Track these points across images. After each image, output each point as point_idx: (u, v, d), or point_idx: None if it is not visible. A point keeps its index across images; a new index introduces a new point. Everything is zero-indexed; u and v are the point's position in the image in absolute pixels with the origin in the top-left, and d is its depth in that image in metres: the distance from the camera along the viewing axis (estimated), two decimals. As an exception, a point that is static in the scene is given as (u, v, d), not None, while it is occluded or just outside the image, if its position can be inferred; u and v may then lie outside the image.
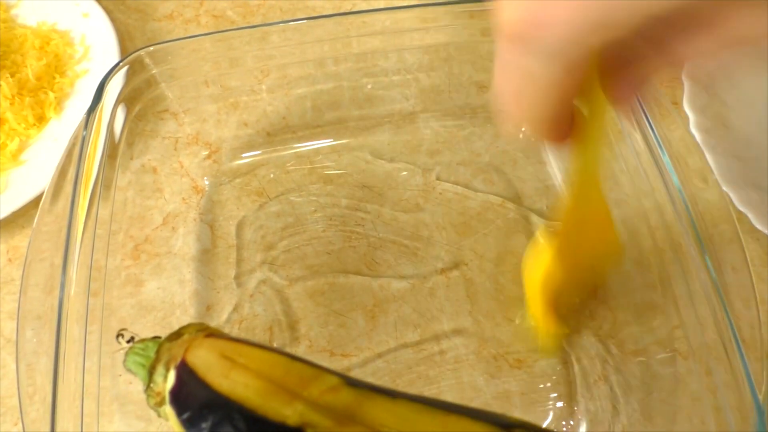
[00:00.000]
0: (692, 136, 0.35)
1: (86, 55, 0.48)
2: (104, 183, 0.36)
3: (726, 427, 0.30)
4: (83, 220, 0.33)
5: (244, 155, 0.45)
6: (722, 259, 0.31)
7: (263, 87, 0.46)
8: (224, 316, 0.38)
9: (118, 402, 0.36)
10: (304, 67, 0.45)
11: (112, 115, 0.37)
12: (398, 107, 0.46)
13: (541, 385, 0.35)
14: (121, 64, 0.37)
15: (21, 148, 0.44)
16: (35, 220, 0.33)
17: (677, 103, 0.45)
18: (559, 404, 0.35)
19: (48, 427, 0.28)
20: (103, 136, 0.36)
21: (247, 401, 0.25)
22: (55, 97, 0.46)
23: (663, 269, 0.35)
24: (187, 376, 0.26)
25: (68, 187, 0.33)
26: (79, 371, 0.31)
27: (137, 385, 0.36)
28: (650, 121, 0.34)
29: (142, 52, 0.38)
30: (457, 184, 0.43)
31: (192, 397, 0.26)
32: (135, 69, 0.38)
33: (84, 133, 0.34)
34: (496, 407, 0.35)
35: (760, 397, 0.28)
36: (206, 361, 0.27)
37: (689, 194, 0.33)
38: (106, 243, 0.37)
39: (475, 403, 0.35)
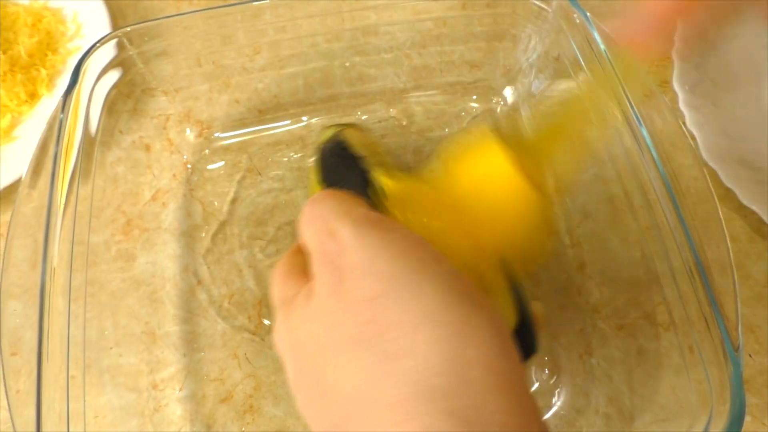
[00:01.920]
0: (674, 115, 0.35)
1: (78, 32, 0.48)
2: (86, 159, 0.37)
3: (707, 398, 0.31)
4: (64, 196, 0.34)
5: (235, 133, 0.45)
6: (704, 236, 0.31)
7: (255, 65, 0.46)
8: (215, 291, 0.38)
9: (109, 374, 0.36)
10: (296, 46, 0.45)
11: (91, 93, 0.38)
12: (389, 85, 0.46)
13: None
14: (98, 44, 0.37)
15: (13, 125, 0.44)
16: (17, 197, 0.33)
17: (667, 82, 0.45)
18: (546, 377, 0.35)
19: (34, 399, 0.28)
20: (82, 115, 0.37)
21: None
22: (47, 74, 0.46)
23: (646, 246, 0.36)
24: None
25: (48, 164, 0.33)
26: (64, 344, 0.31)
27: (128, 358, 0.37)
28: (630, 100, 0.34)
29: (119, 32, 0.38)
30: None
31: None
32: (123, 46, 0.38)
33: (61, 115, 0.34)
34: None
35: (737, 356, 0.29)
36: None
37: (671, 173, 0.33)
38: (90, 219, 0.37)
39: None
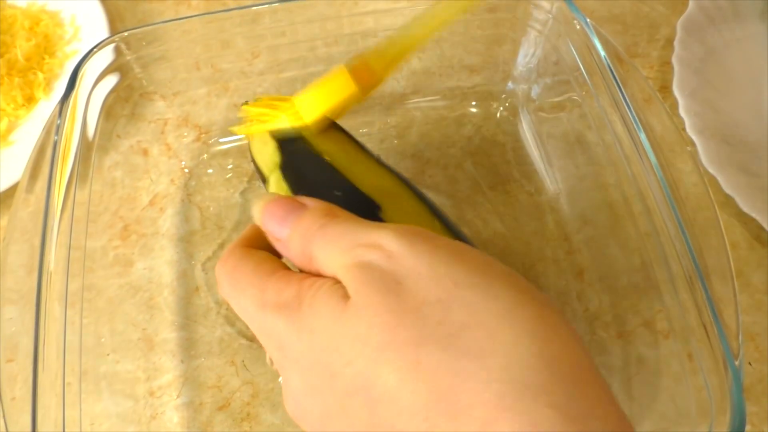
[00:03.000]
0: (673, 121, 0.35)
1: (76, 35, 0.48)
2: (83, 164, 0.37)
3: (707, 407, 0.30)
4: (61, 201, 0.34)
5: (233, 137, 0.45)
6: (703, 243, 0.31)
7: (254, 69, 0.46)
8: (212, 297, 0.38)
9: (106, 381, 0.36)
10: (295, 50, 0.45)
11: (88, 98, 0.37)
12: (389, 89, 0.46)
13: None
14: (95, 49, 0.36)
15: (10, 129, 0.44)
16: (14, 202, 0.33)
17: (667, 87, 0.45)
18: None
19: (29, 407, 0.28)
20: (79, 120, 0.36)
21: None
22: (45, 78, 0.46)
23: (645, 253, 0.35)
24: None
25: (45, 169, 0.33)
26: (60, 350, 0.31)
27: (125, 364, 0.37)
28: (630, 106, 0.34)
29: (116, 37, 0.37)
30: (446, 166, 0.43)
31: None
32: (121, 51, 0.38)
33: (58, 121, 0.34)
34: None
35: (737, 365, 0.29)
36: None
37: (670, 179, 0.33)
38: (87, 224, 0.37)
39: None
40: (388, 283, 0.19)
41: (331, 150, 0.32)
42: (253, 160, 0.35)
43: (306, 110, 0.32)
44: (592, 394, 0.18)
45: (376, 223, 0.21)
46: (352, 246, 0.20)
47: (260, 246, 0.24)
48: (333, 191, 0.30)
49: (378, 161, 0.33)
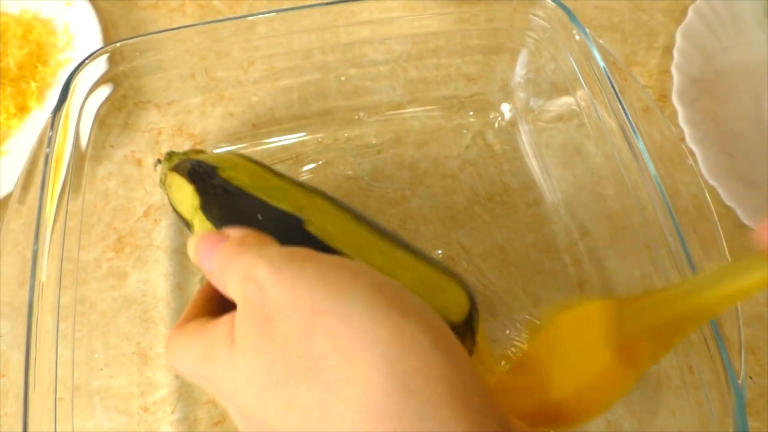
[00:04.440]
0: (672, 131, 0.35)
1: (69, 43, 0.48)
2: (76, 174, 0.36)
3: (707, 422, 0.30)
4: (53, 213, 0.33)
5: (228, 147, 0.44)
6: (704, 255, 0.31)
7: (249, 78, 0.45)
8: (207, 310, 0.38)
9: (99, 396, 0.35)
10: (291, 58, 0.45)
11: (81, 109, 0.37)
12: (386, 98, 0.45)
13: (525, 381, 0.35)
14: (87, 60, 0.36)
15: (2, 139, 0.43)
16: (6, 213, 0.33)
17: (666, 96, 0.44)
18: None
19: (20, 422, 0.27)
20: (72, 131, 0.36)
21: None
22: (37, 87, 0.45)
23: (645, 265, 0.35)
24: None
25: (38, 180, 0.33)
26: (52, 365, 0.31)
27: (119, 379, 0.36)
28: (629, 116, 0.34)
29: (109, 48, 0.37)
30: (444, 176, 0.43)
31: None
32: (114, 61, 0.38)
33: (50, 132, 0.34)
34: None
35: (740, 384, 0.28)
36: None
37: (669, 190, 0.33)
38: (80, 236, 0.36)
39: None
40: (260, 321, 0.20)
41: (245, 179, 0.33)
42: (175, 210, 0.35)
43: None
44: (450, 405, 0.18)
45: (264, 251, 0.22)
46: (241, 278, 0.21)
47: (207, 309, 0.25)
48: (255, 216, 0.31)
49: (293, 181, 0.34)
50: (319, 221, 0.30)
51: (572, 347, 0.24)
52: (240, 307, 0.21)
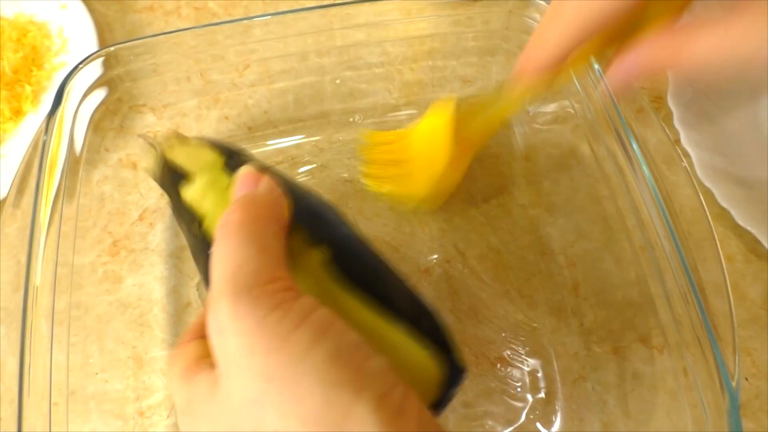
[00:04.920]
0: (666, 133, 0.35)
1: (64, 47, 0.47)
2: (71, 178, 0.36)
3: (702, 424, 0.30)
4: (48, 217, 0.33)
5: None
6: (698, 256, 0.31)
7: (245, 81, 0.45)
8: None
9: (95, 401, 0.35)
10: (286, 61, 0.45)
11: (75, 113, 0.37)
12: (381, 101, 0.45)
13: (520, 384, 0.35)
14: (81, 65, 0.36)
15: (-3, 143, 0.43)
16: (0, 217, 0.33)
17: (662, 98, 0.44)
18: (540, 402, 0.35)
19: (15, 428, 0.27)
20: (66, 135, 0.36)
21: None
22: (32, 91, 0.45)
23: (640, 267, 0.35)
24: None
25: (32, 184, 0.33)
26: (47, 369, 0.31)
27: (114, 384, 0.36)
28: (623, 118, 0.34)
29: (103, 52, 0.37)
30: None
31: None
32: (109, 65, 0.38)
33: (45, 137, 0.34)
34: (476, 405, 0.35)
35: (734, 386, 0.28)
36: None
37: (664, 192, 0.33)
38: (74, 240, 0.36)
39: (456, 401, 0.35)
40: (221, 371, 0.20)
41: None
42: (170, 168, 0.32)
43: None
44: None
45: (235, 269, 0.21)
46: (213, 290, 0.21)
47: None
48: None
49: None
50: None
51: (431, 144, 0.37)
52: (217, 359, 0.21)
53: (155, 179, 0.33)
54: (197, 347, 0.24)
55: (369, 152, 0.41)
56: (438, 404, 0.25)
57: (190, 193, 0.29)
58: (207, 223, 0.28)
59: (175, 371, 0.23)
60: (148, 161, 0.33)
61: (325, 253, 0.26)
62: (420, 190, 0.38)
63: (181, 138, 0.33)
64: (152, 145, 0.33)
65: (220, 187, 0.29)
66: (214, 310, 0.20)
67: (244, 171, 0.26)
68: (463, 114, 0.36)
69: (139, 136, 0.37)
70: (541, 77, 0.29)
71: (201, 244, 0.28)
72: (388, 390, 0.19)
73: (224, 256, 0.21)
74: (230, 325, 0.20)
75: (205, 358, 0.22)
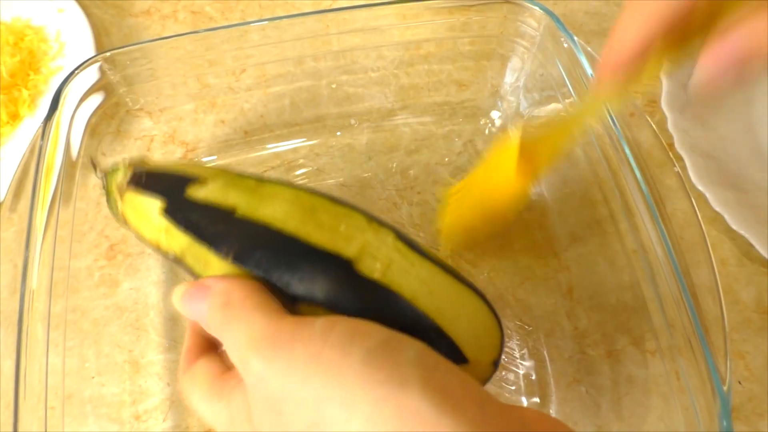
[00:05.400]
0: (659, 137, 0.35)
1: (61, 51, 0.48)
2: (67, 182, 0.36)
3: (694, 427, 0.30)
4: (44, 222, 0.33)
5: (221, 154, 0.44)
6: (690, 260, 0.31)
7: (241, 85, 0.45)
8: (199, 317, 0.38)
9: (91, 405, 0.36)
10: (282, 65, 0.45)
11: (72, 118, 0.37)
12: (377, 105, 0.46)
13: (515, 387, 0.35)
14: (77, 71, 0.36)
15: (-6, 147, 0.43)
16: (-4, 223, 0.33)
17: (656, 102, 0.45)
18: (534, 405, 0.35)
19: (11, 431, 0.27)
20: (63, 139, 0.36)
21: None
22: (30, 95, 0.45)
23: (633, 271, 0.35)
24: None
25: (29, 188, 0.33)
26: (43, 373, 0.31)
27: (110, 388, 0.36)
28: (616, 123, 0.34)
29: (99, 57, 0.37)
30: (435, 183, 0.43)
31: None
32: (105, 70, 0.38)
33: (41, 142, 0.34)
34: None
35: (725, 390, 0.29)
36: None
37: (656, 196, 0.33)
38: (71, 244, 0.37)
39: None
40: (273, 414, 0.21)
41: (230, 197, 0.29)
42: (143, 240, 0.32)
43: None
44: None
45: (250, 327, 0.23)
46: (239, 361, 0.23)
47: (206, 341, 0.28)
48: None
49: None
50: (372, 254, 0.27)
51: (494, 171, 0.35)
52: (249, 393, 0.22)
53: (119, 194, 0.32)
54: (209, 364, 0.26)
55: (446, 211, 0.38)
56: (496, 362, 0.28)
57: (205, 192, 0.29)
58: (241, 212, 0.28)
59: (199, 392, 0.25)
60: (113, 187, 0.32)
61: (394, 233, 0.29)
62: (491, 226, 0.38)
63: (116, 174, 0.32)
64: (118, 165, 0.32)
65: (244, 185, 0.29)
66: (247, 366, 0.22)
67: (181, 291, 0.27)
68: (534, 137, 0.33)
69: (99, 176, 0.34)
70: (626, 72, 0.27)
71: (237, 230, 0.28)
72: (430, 374, 0.20)
73: (237, 326, 0.23)
74: (266, 371, 0.21)
75: (225, 374, 0.25)
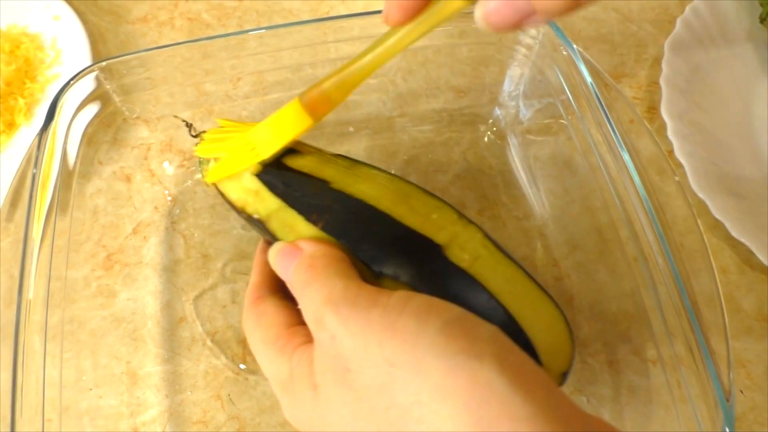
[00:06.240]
0: (658, 144, 0.35)
1: (57, 59, 0.47)
2: (64, 192, 0.36)
3: (697, 438, 0.30)
4: (41, 231, 0.33)
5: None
6: (691, 268, 0.31)
7: (238, 92, 0.45)
8: (197, 328, 0.38)
9: (88, 417, 0.35)
10: (280, 73, 0.45)
11: (68, 127, 0.37)
12: (375, 112, 0.45)
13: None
14: (72, 81, 0.36)
15: (-10, 156, 0.43)
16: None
17: (655, 108, 0.44)
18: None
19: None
20: (59, 149, 0.36)
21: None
22: (26, 103, 0.45)
23: (634, 279, 0.35)
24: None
25: (25, 198, 0.33)
26: (40, 385, 0.30)
27: (108, 399, 0.36)
28: (615, 130, 0.34)
29: (95, 67, 0.37)
30: (433, 190, 0.42)
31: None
32: (104, 77, 0.38)
33: (37, 152, 0.34)
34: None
35: (728, 399, 0.28)
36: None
37: (656, 204, 0.33)
38: (68, 253, 0.36)
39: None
40: (339, 372, 0.21)
41: (325, 170, 0.30)
42: (236, 207, 0.31)
43: (263, 147, 0.30)
44: None
45: (331, 288, 0.23)
46: (313, 319, 0.23)
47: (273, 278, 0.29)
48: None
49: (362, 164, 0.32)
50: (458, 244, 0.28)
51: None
52: (317, 349, 0.23)
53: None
54: (279, 310, 0.26)
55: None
56: (565, 374, 0.28)
57: (302, 162, 0.30)
58: (336, 184, 0.29)
59: (263, 335, 0.26)
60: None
61: (482, 231, 0.30)
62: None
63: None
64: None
65: (339, 163, 0.31)
66: (321, 324, 0.22)
67: (278, 248, 0.28)
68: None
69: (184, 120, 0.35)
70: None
71: (330, 200, 0.29)
72: (505, 354, 0.20)
73: (318, 287, 0.24)
74: (340, 329, 0.22)
75: (293, 327, 0.25)
